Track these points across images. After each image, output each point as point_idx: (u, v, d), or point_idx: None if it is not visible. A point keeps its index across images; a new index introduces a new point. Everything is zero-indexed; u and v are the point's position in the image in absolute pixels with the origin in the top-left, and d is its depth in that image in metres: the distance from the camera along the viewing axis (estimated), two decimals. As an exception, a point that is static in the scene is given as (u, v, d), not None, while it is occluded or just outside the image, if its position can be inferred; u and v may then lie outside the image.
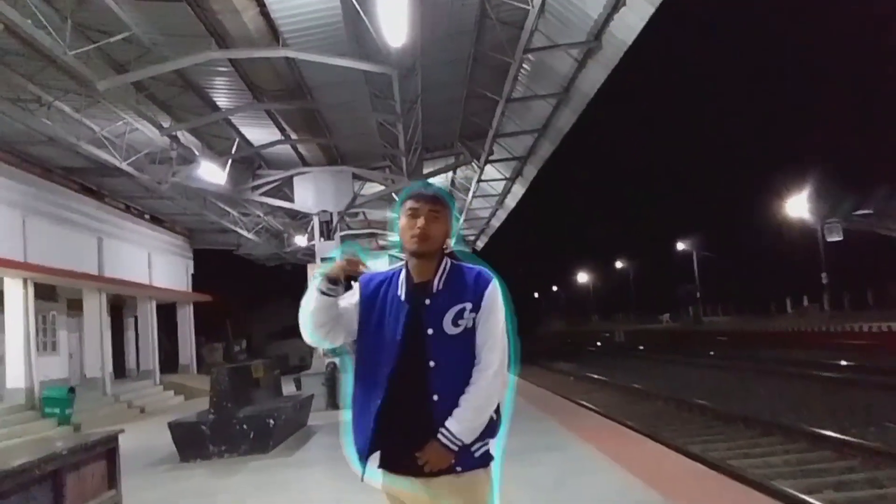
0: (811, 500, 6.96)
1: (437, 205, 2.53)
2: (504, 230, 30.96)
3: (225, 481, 8.74)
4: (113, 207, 21.56)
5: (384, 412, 2.40)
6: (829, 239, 33.59)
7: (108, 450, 7.06)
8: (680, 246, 55.18)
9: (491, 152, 16.61)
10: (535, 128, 16.10)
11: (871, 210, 29.05)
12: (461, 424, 2.38)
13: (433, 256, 2.54)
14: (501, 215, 27.01)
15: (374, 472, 2.48)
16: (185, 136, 14.54)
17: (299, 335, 2.71)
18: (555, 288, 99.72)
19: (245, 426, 10.22)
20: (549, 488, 6.68)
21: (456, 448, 2.38)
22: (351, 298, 2.59)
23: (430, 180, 17.72)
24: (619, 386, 20.47)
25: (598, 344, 48.94)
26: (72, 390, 15.50)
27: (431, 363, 2.42)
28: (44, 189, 17.68)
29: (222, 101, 13.56)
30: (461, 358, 2.45)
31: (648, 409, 15.53)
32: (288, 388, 16.02)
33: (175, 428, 10.26)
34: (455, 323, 2.45)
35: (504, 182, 21.48)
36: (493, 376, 2.44)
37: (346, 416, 2.56)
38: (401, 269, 2.58)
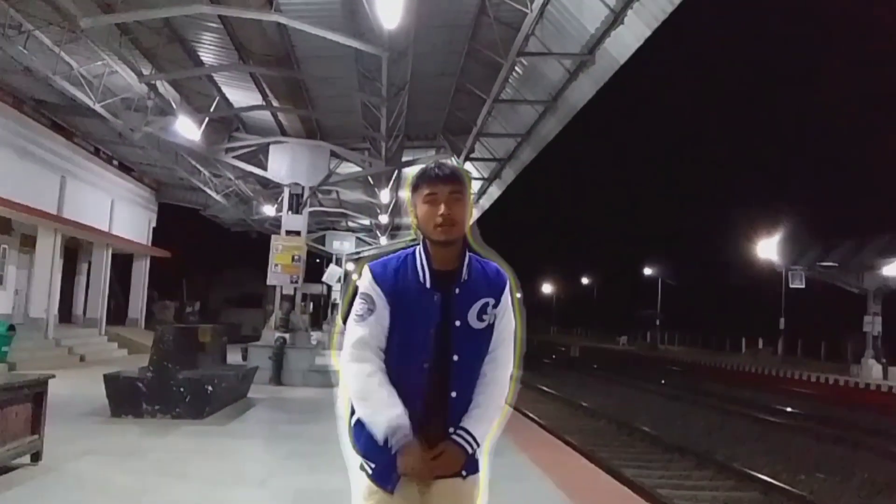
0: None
1: (458, 184, 2.35)
2: (476, 229, 30.90)
3: (155, 441, 8.56)
4: (81, 148, 21.06)
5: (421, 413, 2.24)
6: (792, 285, 34.02)
7: (35, 393, 6.91)
8: (647, 271, 55.70)
9: (472, 150, 16.54)
10: (518, 132, 16.03)
11: (835, 262, 29.46)
12: (482, 426, 2.28)
13: (459, 243, 2.37)
14: (475, 214, 26.91)
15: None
16: (164, 87, 14.22)
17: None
18: (518, 294, 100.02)
19: (183, 389, 10.01)
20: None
21: (471, 450, 2.25)
22: (378, 301, 2.32)
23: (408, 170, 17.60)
24: (565, 400, 20.57)
25: (553, 356, 49.17)
26: (11, 328, 15.06)
27: (455, 357, 2.28)
28: (11, 119, 17.21)
29: (207, 57, 13.29)
30: (480, 354, 2.34)
31: (591, 427, 15.62)
32: (235, 357, 15.81)
33: (110, 381, 10.00)
34: (480, 317, 2.32)
35: (482, 182, 21.42)
36: (509, 377, 2.36)
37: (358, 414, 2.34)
38: (413, 253, 2.40)
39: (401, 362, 2.29)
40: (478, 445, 2.27)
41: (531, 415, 15.69)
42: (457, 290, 2.32)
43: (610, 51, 10.90)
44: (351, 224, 31.80)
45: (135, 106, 15.05)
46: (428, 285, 2.32)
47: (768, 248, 34.80)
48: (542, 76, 13.15)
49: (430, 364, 2.26)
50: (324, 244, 29.87)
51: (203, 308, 35.80)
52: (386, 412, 2.21)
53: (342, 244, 29.69)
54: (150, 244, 27.39)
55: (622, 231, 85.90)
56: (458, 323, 2.30)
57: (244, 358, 15.88)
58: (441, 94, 14.62)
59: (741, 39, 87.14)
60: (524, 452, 8.77)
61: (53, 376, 7.30)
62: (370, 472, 2.29)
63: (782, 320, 34.92)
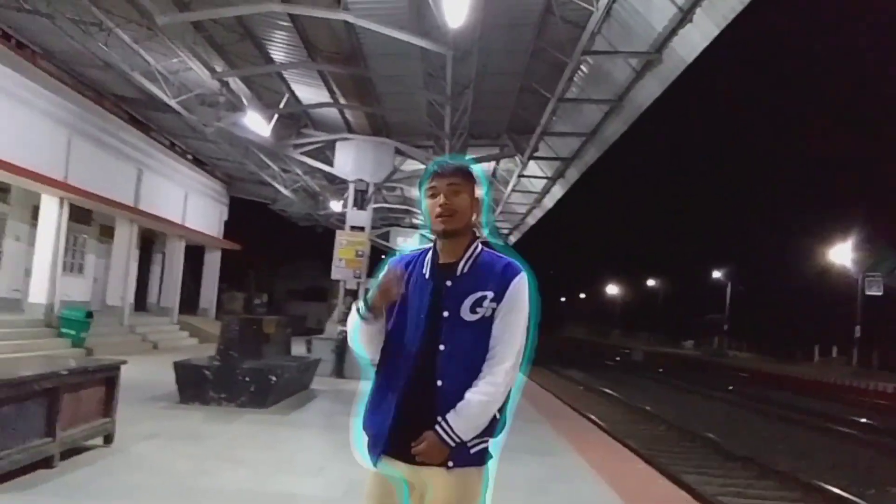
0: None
1: (456, 177, 2.44)
2: (539, 229, 30.75)
3: (218, 427, 8.83)
4: (157, 142, 21.84)
5: (403, 397, 2.35)
6: (869, 292, 32.81)
7: (108, 377, 7.21)
8: (715, 274, 54.35)
9: (536, 149, 16.44)
10: (583, 131, 15.88)
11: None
12: (462, 421, 2.29)
13: (462, 235, 2.45)
14: (538, 213, 26.80)
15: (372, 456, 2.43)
16: (236, 83, 14.62)
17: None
18: (582, 295, 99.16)
19: (247, 378, 10.29)
20: (528, 491, 6.63)
21: (453, 444, 2.29)
22: None
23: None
24: (626, 404, 20.29)
25: (617, 359, 48.54)
26: (89, 314, 15.78)
27: (441, 347, 2.35)
28: (93, 113, 17.95)
29: (277, 54, 13.60)
30: (473, 346, 2.36)
31: (651, 432, 15.37)
32: (300, 349, 16.14)
33: (179, 368, 10.37)
34: (473, 309, 2.36)
35: (545, 181, 21.29)
36: (505, 374, 2.33)
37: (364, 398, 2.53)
38: (429, 249, 2.52)
39: (394, 346, 2.44)
40: (459, 439, 2.29)
41: (591, 416, 15.58)
42: (448, 283, 2.41)
43: (677, 50, 10.69)
44: (415, 221, 32.02)
45: (208, 101, 15.51)
46: (427, 276, 2.45)
47: (842, 254, 33.59)
48: (608, 75, 12.99)
49: (417, 350, 2.36)
50: (388, 240, 30.16)
51: (270, 300, 36.61)
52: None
53: (406, 241, 29.92)
54: (221, 236, 28.20)
55: (690, 234, 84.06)
56: (446, 314, 2.38)
57: (308, 350, 16.19)
58: (505, 92, 14.60)
59: (821, 32, 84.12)
60: (578, 454, 8.74)
61: (125, 362, 7.61)
62: (366, 444, 2.44)
63: (858, 328, 33.61)
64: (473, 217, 2.48)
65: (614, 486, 6.93)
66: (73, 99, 17.03)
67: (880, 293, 31.75)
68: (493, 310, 2.36)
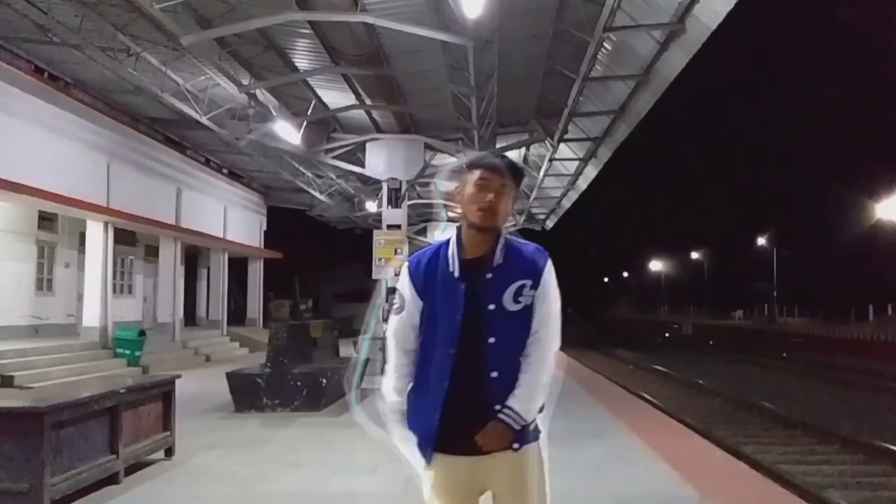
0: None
1: (511, 179, 2.45)
2: (575, 211, 30.52)
3: (274, 433, 9.00)
4: (193, 160, 22.26)
5: (449, 394, 2.36)
6: (920, 246, 31.93)
7: (164, 392, 7.39)
8: (759, 241, 53.37)
9: (565, 131, 16.33)
10: (611, 109, 15.73)
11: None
12: (525, 403, 2.36)
13: (495, 231, 2.45)
14: (573, 196, 26.62)
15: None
16: (263, 95, 14.80)
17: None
18: (625, 274, 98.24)
19: (299, 383, 10.47)
20: (587, 474, 6.63)
21: (518, 427, 2.35)
22: (409, 298, 2.50)
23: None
24: (678, 379, 20.15)
25: (666, 335, 48.04)
26: (142, 333, 16.16)
27: (491, 339, 2.37)
28: (129, 137, 18.37)
29: (301, 62, 13.73)
30: (519, 335, 2.40)
31: (706, 406, 15.24)
32: (348, 350, 16.31)
33: (232, 378, 10.60)
34: (516, 300, 2.39)
35: (577, 162, 21.14)
36: (553, 356, 2.42)
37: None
38: (447, 244, 2.50)
39: (431, 349, 2.43)
40: (524, 421, 2.36)
41: (645, 395, 15.49)
42: (489, 275, 2.41)
43: (700, 17, 10.52)
44: (451, 214, 32.03)
45: (238, 115, 15.75)
46: (456, 275, 2.42)
47: (890, 208, 32.70)
48: (632, 50, 12.85)
49: (457, 351, 2.36)
50: (425, 235, 30.27)
51: (315, 304, 37.04)
52: (396, 425, 2.54)
53: (444, 234, 30.01)
54: (262, 246, 28.62)
55: (731, 202, 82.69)
56: (492, 307, 2.38)
57: (356, 351, 16.34)
58: (530, 78, 14.52)
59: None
60: (634, 433, 8.71)
61: (180, 376, 7.80)
62: (420, 450, 2.45)
63: (912, 284, 32.73)
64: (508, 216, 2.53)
65: (673, 464, 6.91)
66: (109, 125, 17.44)
67: (933, 246, 30.86)
68: (533, 297, 2.40)
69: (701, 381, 18.74)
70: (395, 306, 2.51)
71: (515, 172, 2.49)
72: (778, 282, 50.88)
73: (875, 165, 53.10)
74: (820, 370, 22.46)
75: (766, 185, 76.96)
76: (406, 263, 2.54)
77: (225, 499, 5.99)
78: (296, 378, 10.47)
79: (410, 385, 2.49)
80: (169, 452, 7.30)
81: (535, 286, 2.41)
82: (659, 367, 23.24)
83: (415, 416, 2.46)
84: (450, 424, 2.35)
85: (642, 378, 21.49)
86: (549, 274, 2.46)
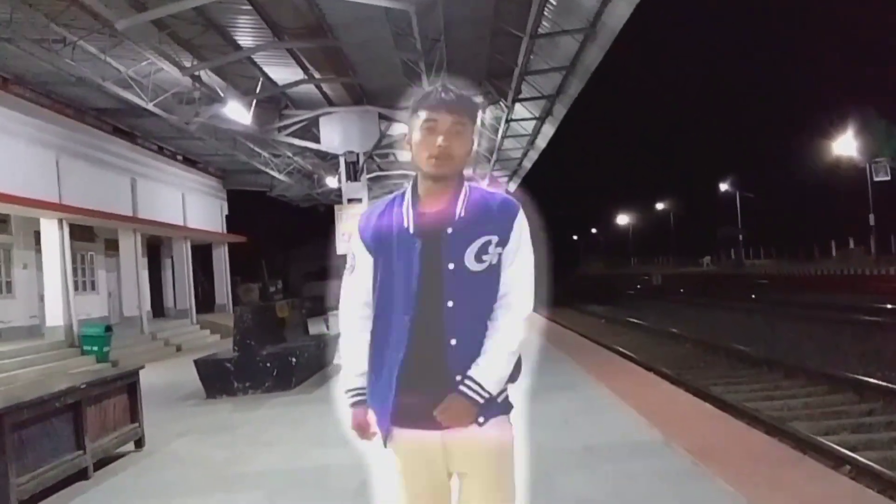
0: (822, 440, 6.88)
1: (462, 115, 2.13)
2: (538, 171, 30.57)
3: (247, 415, 8.99)
4: (146, 149, 21.83)
5: (404, 365, 2.10)
6: (877, 178, 32.56)
7: (128, 384, 7.31)
8: (722, 187, 53.98)
9: (519, 91, 16.26)
10: (562, 65, 15.68)
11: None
12: (490, 374, 2.09)
13: (453, 178, 2.17)
14: (533, 156, 26.64)
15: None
16: (209, 76, 14.52)
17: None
18: (594, 230, 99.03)
19: (268, 364, 10.43)
20: (556, 426, 6.72)
21: (482, 400, 2.08)
22: (360, 255, 2.25)
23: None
24: (650, 329, 20.44)
25: (638, 287, 48.60)
26: (108, 328, 15.96)
27: (450, 303, 2.08)
28: (77, 130, 17.95)
29: (244, 40, 13.45)
30: (482, 298, 2.13)
31: (675, 352, 15.50)
32: (321, 328, 16.28)
33: (201, 365, 10.53)
34: (479, 258, 2.10)
35: (534, 122, 21.11)
36: (524, 318, 2.16)
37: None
38: (402, 197, 2.22)
39: (388, 314, 2.16)
40: (488, 394, 2.09)
41: (617, 347, 15.69)
42: (449, 230, 2.12)
43: (641, -35, 10.52)
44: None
45: (185, 99, 15.45)
46: (410, 231, 2.14)
47: (846, 144, 33.22)
48: (577, 4, 12.78)
49: (414, 313, 2.10)
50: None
51: (285, 285, 36.73)
52: (345, 371, 2.33)
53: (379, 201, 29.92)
54: (225, 231, 28.31)
55: (692, 150, 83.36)
56: (451, 266, 2.10)
57: (326, 327, 16.32)
58: (478, 39, 14.37)
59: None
60: (601, 383, 8.82)
61: (143, 367, 7.74)
62: (378, 423, 2.22)
63: (871, 217, 33.40)
64: (468, 160, 2.20)
65: (639, 410, 7.01)
66: (54, 119, 17.01)
67: (888, 178, 31.48)
68: (500, 255, 2.13)
69: (671, 329, 19.02)
70: (347, 266, 2.28)
71: (467, 106, 2.18)
72: (743, 225, 51.67)
73: (829, 105, 53.75)
74: (786, 308, 22.92)
75: (726, 132, 77.68)
76: (357, 219, 2.30)
77: (198, 484, 5.96)
78: (265, 359, 10.43)
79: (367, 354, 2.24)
80: (139, 444, 7.25)
81: (502, 243, 2.12)
82: (630, 319, 23.56)
83: (373, 389, 2.21)
84: (408, 398, 2.10)
85: (614, 330, 21.77)
86: (520, 228, 2.16)
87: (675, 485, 4.77)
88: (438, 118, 2.11)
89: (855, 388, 9.54)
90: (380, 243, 2.18)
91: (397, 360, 2.10)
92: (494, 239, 2.12)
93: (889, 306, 19.77)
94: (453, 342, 2.10)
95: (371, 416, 2.25)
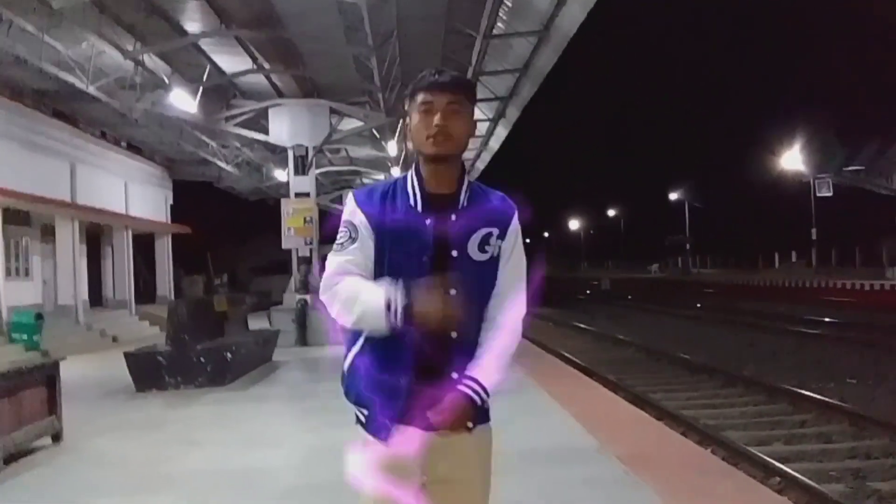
0: (754, 450, 6.91)
1: (458, 94, 2.06)
2: (490, 174, 30.65)
3: (177, 412, 8.69)
4: (88, 134, 21.13)
5: (413, 354, 2.00)
6: (819, 194, 33.41)
7: (47, 376, 6.99)
8: (672, 196, 54.86)
9: (472, 91, 16.20)
10: (515, 67, 15.68)
11: (862, 166, 28.76)
12: (491, 375, 2.02)
13: (455, 162, 2.10)
14: (486, 157, 26.68)
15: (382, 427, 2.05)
16: (153, 62, 14.12)
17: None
18: (545, 234, 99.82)
19: (202, 359, 10.14)
20: (494, 430, 6.59)
21: (480, 402, 2.01)
22: (361, 228, 2.06)
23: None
24: (596, 333, 20.55)
25: (587, 292, 49.04)
26: (39, 316, 15.35)
27: (452, 291, 1.96)
28: (13, 112, 17.23)
29: (190, 25, 13.10)
30: (482, 290, 2.08)
31: (619, 357, 15.57)
32: (264, 323, 15.98)
33: (131, 358, 10.18)
34: (482, 248, 2.06)
35: (487, 123, 21.09)
36: (521, 319, 2.11)
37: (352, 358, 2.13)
38: (404, 178, 2.13)
39: None
40: (487, 396, 2.03)
41: (561, 350, 15.70)
42: (453, 216, 2.05)
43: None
44: (366, 181, 31.69)
45: (129, 84, 14.97)
46: (419, 209, 2.06)
47: (792, 159, 34.02)
48: (531, 5, 12.76)
49: None
50: (342, 203, 29.87)
51: (232, 279, 36.19)
52: (376, 289, 1.96)
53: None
54: (169, 221, 27.61)
55: (644, 159, 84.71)
56: (455, 253, 2.03)
57: (269, 323, 16.04)
58: (431, 37, 14.25)
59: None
60: (542, 388, 8.76)
61: (64, 358, 7.43)
62: (364, 420, 2.09)
63: (814, 231, 34.31)
64: (468, 141, 2.14)
65: (577, 416, 6.99)
66: (-12, 100, 16.34)
67: (830, 193, 32.32)
68: (500, 249, 2.09)
69: (616, 334, 19.15)
70: (342, 240, 2.07)
71: (464, 85, 2.13)
72: (691, 234, 52.59)
73: (776, 121, 55.13)
74: (729, 316, 23.30)
75: (678, 141, 78.99)
76: (350, 194, 2.14)
77: (116, 484, 5.68)
78: (198, 354, 10.13)
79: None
80: (56, 438, 6.93)
81: (501, 236, 2.09)
82: (577, 323, 23.67)
83: (368, 383, 2.05)
84: (412, 390, 2.00)
85: (560, 333, 21.85)
86: (517, 227, 2.14)
87: (605, 493, 4.72)
88: (434, 98, 2.04)
89: (790, 398, 9.65)
90: (384, 219, 2.06)
91: (406, 349, 1.99)
92: (496, 231, 2.09)
93: (826, 319, 20.23)
94: (454, 335, 2.00)
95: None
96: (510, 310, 2.09)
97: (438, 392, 1.98)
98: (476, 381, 2.00)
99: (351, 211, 2.09)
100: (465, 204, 2.08)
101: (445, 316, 1.92)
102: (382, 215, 2.06)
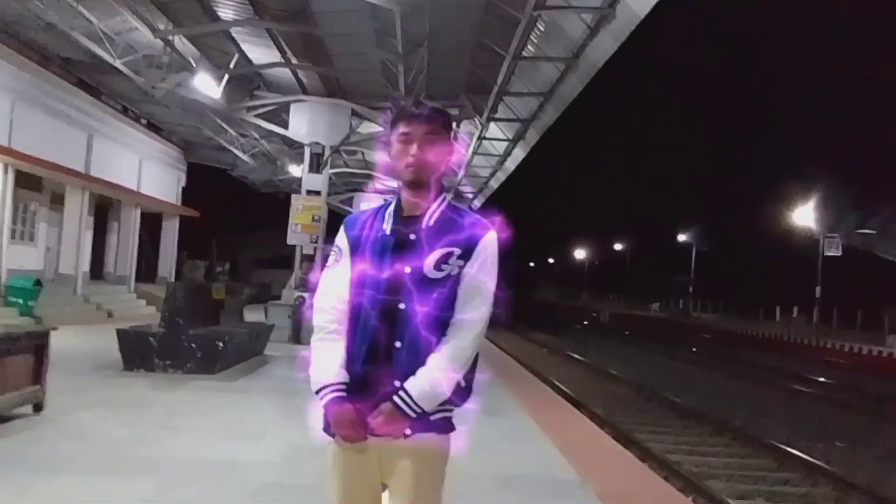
0: (733, 503, 6.84)
1: (434, 125, 2.23)
2: (503, 193, 30.58)
3: (162, 395, 8.65)
4: (109, 107, 21.22)
5: (361, 364, 2.17)
6: (828, 253, 33.29)
7: (36, 345, 6.96)
8: (681, 237, 54.77)
9: (495, 110, 16.20)
10: (540, 91, 15.65)
11: (874, 230, 28.65)
12: (423, 389, 2.11)
13: (429, 186, 2.25)
14: (501, 177, 26.64)
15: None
16: (182, 44, 14.15)
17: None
18: (551, 260, 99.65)
19: (193, 345, 10.09)
20: (475, 453, 6.49)
21: (413, 415, 2.11)
22: (344, 252, 2.28)
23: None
24: (589, 365, 20.46)
25: (585, 322, 48.90)
26: (38, 283, 15.39)
27: (402, 305, 2.14)
28: (38, 77, 17.35)
29: (223, 12, 13.16)
30: (435, 306, 2.16)
31: (609, 392, 15.49)
32: (260, 316, 15.93)
33: (122, 335, 10.13)
34: (438, 266, 2.16)
35: (506, 143, 21.08)
36: (472, 340, 2.18)
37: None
38: (390, 204, 2.31)
39: (358, 309, 2.20)
40: (419, 409, 2.11)
41: (552, 378, 15.63)
42: (412, 236, 2.20)
43: (630, 4, 10.50)
44: (379, 186, 31.69)
45: (155, 64, 15.03)
46: (388, 231, 2.23)
47: (805, 215, 33.93)
48: (563, 32, 12.76)
49: (378, 312, 2.15)
50: (352, 206, 29.88)
51: (233, 268, 36.19)
52: (319, 367, 2.21)
53: (370, 206, 29.62)
54: (179, 203, 27.65)
55: (657, 197, 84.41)
56: (408, 269, 2.16)
57: (266, 317, 15.99)
58: (461, 51, 14.29)
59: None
60: (529, 415, 8.69)
61: (56, 328, 7.39)
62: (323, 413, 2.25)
63: (818, 289, 34.08)
64: (444, 168, 2.30)
65: (561, 447, 6.90)
66: (16, 62, 16.43)
67: (839, 254, 32.19)
68: (460, 268, 2.17)
69: (609, 368, 19.06)
70: (329, 262, 2.32)
71: (439, 117, 2.27)
72: (695, 277, 52.41)
73: (790, 174, 55.06)
74: (724, 364, 23.16)
75: (693, 183, 78.79)
76: (344, 220, 2.36)
77: (90, 460, 5.63)
78: (191, 339, 10.08)
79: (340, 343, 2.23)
80: (38, 408, 6.89)
81: (464, 256, 2.17)
82: (571, 353, 23.57)
83: None
84: (355, 397, 2.15)
85: (554, 361, 21.77)
86: (485, 249, 2.21)
87: (581, 531, 4.63)
88: (412, 130, 2.22)
89: (776, 454, 9.57)
90: (360, 242, 2.26)
91: (360, 354, 2.17)
92: (457, 251, 2.18)
93: (821, 378, 20.09)
94: (398, 345, 2.15)
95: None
96: (463, 329, 2.17)
97: (381, 398, 2.13)
98: (406, 392, 2.11)
99: (340, 234, 2.33)
100: (430, 224, 2.22)
101: (346, 435, 2.16)
102: (359, 238, 2.26)
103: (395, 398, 2.11)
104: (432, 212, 2.24)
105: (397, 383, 2.12)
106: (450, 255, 2.17)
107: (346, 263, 2.26)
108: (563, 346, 26.78)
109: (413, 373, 2.12)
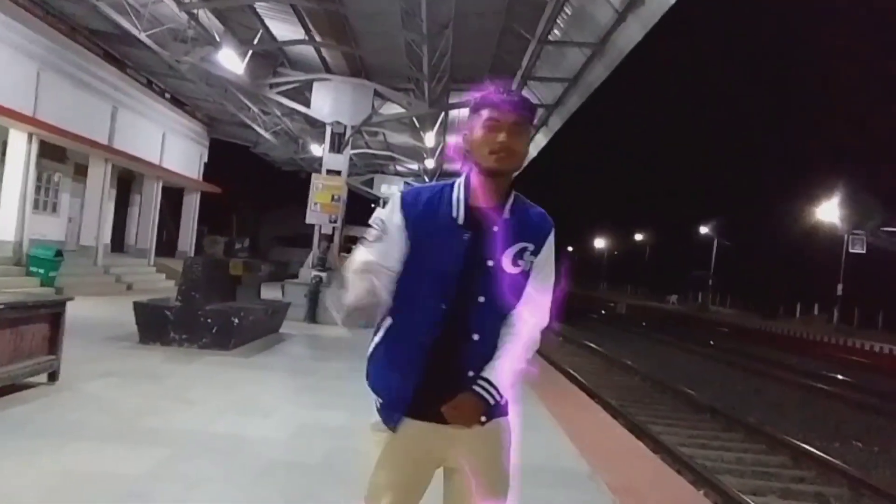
0: (748, 499, 6.75)
1: (523, 116, 2.16)
2: (523, 180, 30.30)
3: (176, 367, 8.68)
4: (134, 80, 21.27)
5: (428, 354, 2.13)
6: (852, 250, 32.83)
7: (53, 314, 7.00)
8: (702, 230, 54.26)
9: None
10: (565, 77, 15.45)
11: (899, 229, 28.23)
12: (504, 377, 2.15)
13: (508, 178, 2.20)
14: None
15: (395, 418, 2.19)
16: (208, 18, 14.12)
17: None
18: (570, 248, 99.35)
19: (209, 319, 10.10)
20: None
21: (493, 402, 2.13)
22: (393, 229, 2.17)
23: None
24: (604, 356, 20.34)
25: (602, 312, 48.68)
26: (59, 253, 15.50)
27: (481, 298, 2.13)
28: (65, 47, 17.38)
29: (249, -13, 13.10)
30: (509, 300, 2.18)
31: (624, 383, 15.39)
32: (277, 293, 15.97)
33: (139, 308, 10.17)
34: (515, 262, 2.16)
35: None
36: (539, 329, 2.24)
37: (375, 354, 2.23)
38: (452, 186, 2.23)
39: (414, 299, 2.15)
40: (499, 396, 2.15)
41: (567, 368, 15.56)
42: (495, 228, 2.15)
43: (660, -10, 10.32)
44: (399, 168, 31.64)
45: (180, 37, 15.02)
46: (460, 221, 2.16)
47: (830, 211, 33.46)
48: (591, 17, 12.56)
49: (450, 303, 2.12)
50: (372, 187, 29.88)
51: (253, 245, 36.32)
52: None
53: (390, 188, 29.62)
54: (201, 178, 27.76)
55: (680, 189, 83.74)
56: (490, 263, 2.14)
57: (282, 294, 16.02)
58: (487, 34, 14.11)
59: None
60: (542, 404, 8.62)
61: (72, 299, 7.42)
62: (379, 406, 2.20)
63: (840, 287, 33.67)
64: (524, 161, 2.24)
65: (573, 437, 6.84)
66: (44, 31, 16.45)
67: (863, 251, 31.75)
68: (532, 263, 2.19)
69: (625, 360, 18.94)
70: (372, 236, 2.18)
71: (530, 108, 2.21)
72: (715, 271, 51.95)
73: (818, 170, 54.28)
74: (740, 359, 22.93)
75: (716, 176, 78.09)
76: (398, 193, 2.24)
77: (102, 429, 5.66)
78: (207, 314, 10.10)
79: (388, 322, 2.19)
80: (53, 377, 6.95)
81: (535, 252, 2.19)
82: (587, 343, 23.45)
83: (384, 373, 2.19)
84: (422, 386, 2.13)
85: (569, 351, 21.67)
86: (551, 244, 2.25)
87: (588, 522, 4.58)
88: (501, 116, 2.13)
89: (791, 452, 9.45)
90: (422, 225, 2.17)
91: (422, 345, 2.13)
92: (531, 247, 2.19)
93: (839, 377, 19.85)
94: (476, 337, 2.15)
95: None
96: (532, 319, 2.21)
97: (454, 388, 2.12)
98: (487, 380, 2.12)
99: (391, 210, 2.19)
100: (508, 217, 2.17)
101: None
102: (423, 222, 2.16)
103: (477, 388, 2.12)
104: (510, 205, 2.19)
105: (471, 373, 2.14)
106: (525, 249, 2.18)
107: (397, 243, 2.15)
108: (579, 335, 26.63)
109: (484, 362, 2.15)
